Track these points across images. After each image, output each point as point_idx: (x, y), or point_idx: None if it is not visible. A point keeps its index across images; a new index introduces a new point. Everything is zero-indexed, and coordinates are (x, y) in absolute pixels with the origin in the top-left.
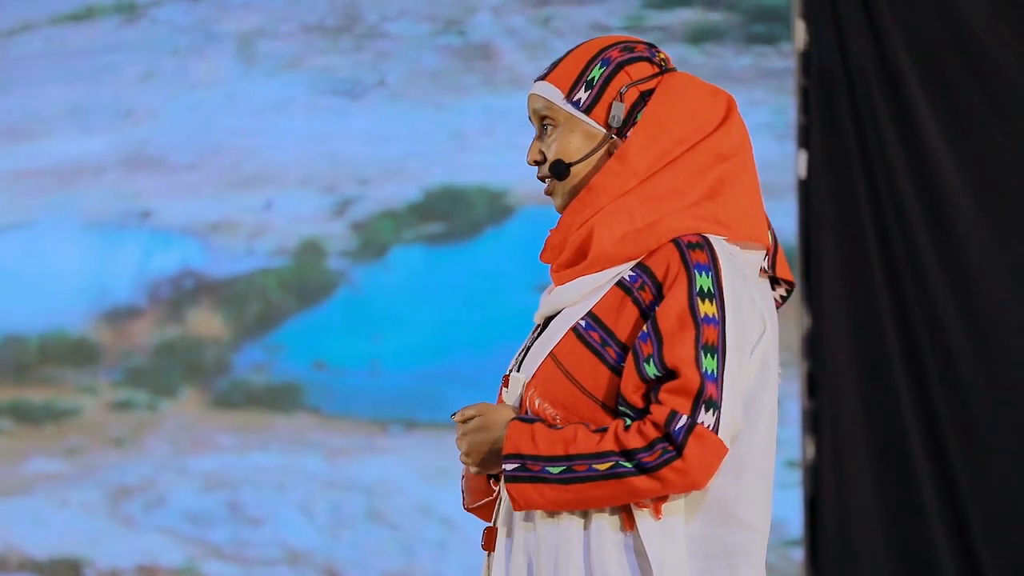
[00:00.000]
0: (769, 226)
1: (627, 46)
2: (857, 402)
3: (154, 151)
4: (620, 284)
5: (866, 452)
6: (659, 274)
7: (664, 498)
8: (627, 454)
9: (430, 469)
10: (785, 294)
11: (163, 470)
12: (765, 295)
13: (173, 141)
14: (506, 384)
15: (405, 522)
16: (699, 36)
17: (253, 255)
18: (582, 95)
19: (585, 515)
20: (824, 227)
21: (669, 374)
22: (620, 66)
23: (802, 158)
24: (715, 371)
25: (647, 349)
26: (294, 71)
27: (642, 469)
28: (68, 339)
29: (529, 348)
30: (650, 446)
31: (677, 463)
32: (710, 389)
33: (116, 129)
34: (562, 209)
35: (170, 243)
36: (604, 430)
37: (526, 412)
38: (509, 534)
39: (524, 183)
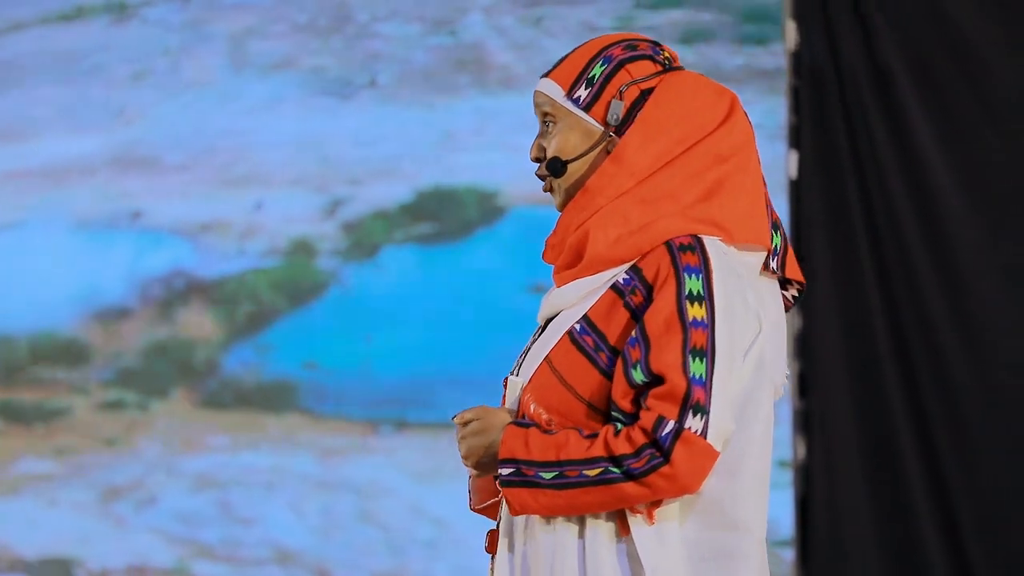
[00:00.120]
0: (778, 226)
1: (630, 44)
2: (848, 402)
3: (145, 151)
4: (614, 287)
5: (857, 452)
6: (650, 277)
7: (657, 503)
8: (615, 460)
9: (421, 469)
10: (797, 294)
11: (154, 470)
12: (770, 295)
13: (164, 141)
14: (506, 387)
15: (396, 522)
16: (690, 36)
17: (244, 255)
18: (582, 93)
19: (581, 521)
20: (815, 227)
21: (655, 380)
22: (621, 64)
23: (793, 158)
24: (703, 375)
25: (635, 354)
26: (285, 71)
27: (630, 475)
28: (58, 339)
29: (529, 350)
30: (637, 452)
31: (665, 469)
32: (697, 394)
33: (107, 129)
34: (561, 207)
35: (161, 243)
36: (595, 436)
37: (523, 416)
38: (509, 538)
39: (515, 183)
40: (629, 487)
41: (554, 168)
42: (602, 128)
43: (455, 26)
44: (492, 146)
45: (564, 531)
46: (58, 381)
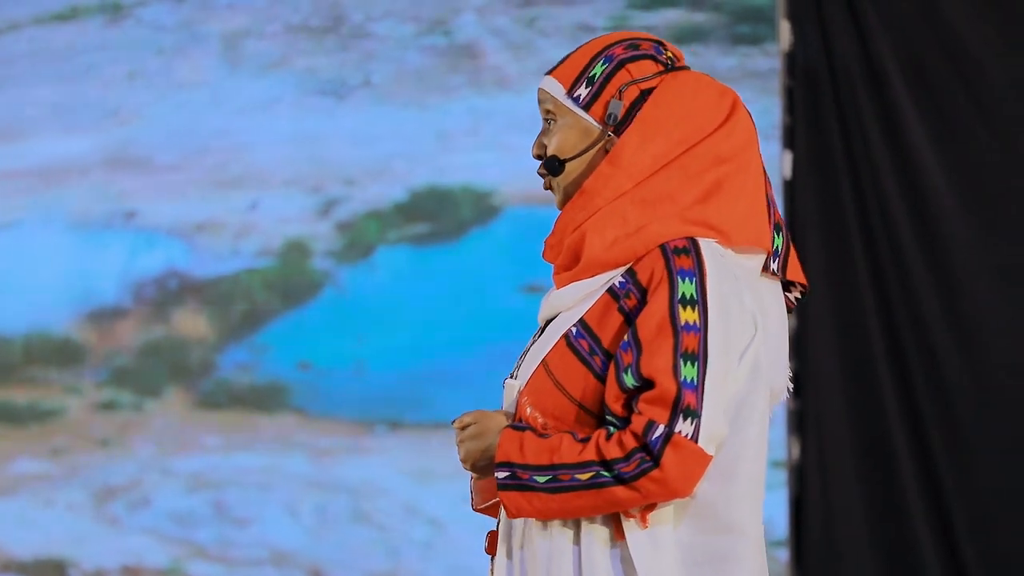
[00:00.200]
0: (781, 227)
1: (632, 44)
2: (842, 402)
3: (139, 151)
4: (610, 290)
5: (851, 452)
6: (644, 280)
7: (651, 507)
8: (606, 464)
9: (415, 469)
10: (800, 296)
11: (148, 470)
12: (770, 297)
13: (158, 141)
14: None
15: (390, 522)
16: (684, 37)
17: (238, 255)
18: (582, 91)
19: (577, 525)
20: (809, 227)
21: (646, 384)
22: (622, 64)
23: (787, 158)
24: (695, 379)
25: (627, 358)
26: (279, 71)
27: (620, 479)
28: (53, 339)
29: (528, 352)
30: (628, 456)
31: (655, 473)
32: (688, 398)
33: (101, 129)
34: (561, 206)
35: (155, 243)
36: (588, 440)
37: (520, 419)
38: (507, 542)
39: (509, 183)
40: (620, 491)
41: (551, 166)
42: (601, 127)
43: (449, 26)
44: (486, 146)
45: (560, 536)
46: (52, 381)
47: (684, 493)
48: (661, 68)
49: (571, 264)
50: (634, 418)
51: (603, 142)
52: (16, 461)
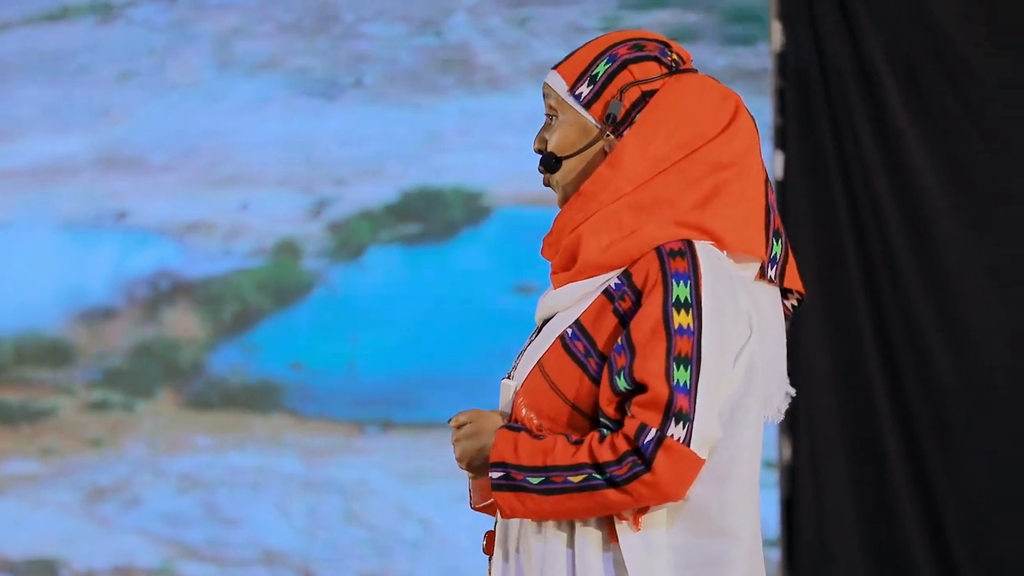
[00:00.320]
0: (780, 234)
1: (637, 44)
2: (833, 403)
3: (130, 151)
4: (606, 292)
5: (842, 453)
6: (639, 282)
7: (644, 510)
8: (599, 467)
9: (407, 470)
10: (796, 303)
11: (139, 471)
12: (767, 301)
13: (149, 141)
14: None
15: (382, 523)
16: (676, 37)
17: (229, 256)
18: (584, 89)
19: (571, 528)
20: (800, 227)
21: (639, 387)
22: (625, 64)
23: (779, 159)
24: (687, 383)
25: (620, 361)
26: (270, 72)
27: (612, 483)
28: (44, 340)
29: (525, 352)
30: (620, 460)
31: (647, 477)
32: (680, 401)
33: (92, 129)
34: (562, 203)
35: (146, 243)
36: (582, 442)
37: (515, 420)
38: (503, 542)
39: (501, 184)
40: (612, 494)
41: (548, 163)
42: (600, 126)
43: (441, 27)
44: (478, 146)
45: (554, 538)
46: (43, 381)
47: (676, 497)
48: (665, 70)
49: (568, 265)
50: (627, 421)
51: (602, 142)
52: (7, 461)
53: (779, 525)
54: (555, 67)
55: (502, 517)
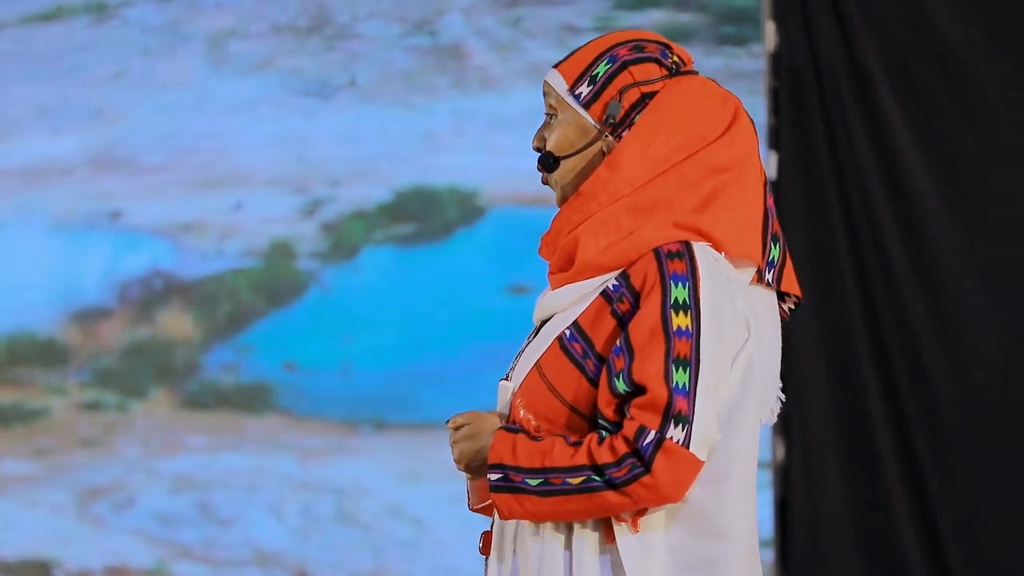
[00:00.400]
0: (778, 238)
1: (637, 45)
2: (827, 404)
3: (124, 151)
4: (604, 293)
5: (836, 454)
6: (637, 284)
7: (642, 512)
8: (597, 469)
9: (401, 470)
10: (793, 307)
11: (133, 471)
12: (763, 304)
13: (143, 141)
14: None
15: (376, 523)
16: (669, 37)
17: (223, 256)
18: (584, 89)
19: (568, 529)
20: (794, 228)
21: (638, 390)
22: (625, 65)
23: (772, 159)
24: (686, 385)
25: (619, 363)
26: (264, 72)
27: (611, 484)
28: (37, 340)
29: (523, 353)
30: (619, 462)
31: (646, 479)
32: (679, 404)
33: (86, 129)
34: (560, 203)
35: (140, 244)
36: (580, 443)
37: (513, 421)
38: (500, 543)
39: (495, 184)
40: (611, 496)
41: (546, 163)
42: (598, 127)
43: (434, 27)
44: (471, 147)
45: (551, 539)
46: (37, 382)
47: (675, 499)
48: (665, 72)
49: (566, 266)
50: (626, 423)
51: (601, 142)
52: (0, 462)
53: (772, 526)
54: (556, 66)
55: (500, 518)
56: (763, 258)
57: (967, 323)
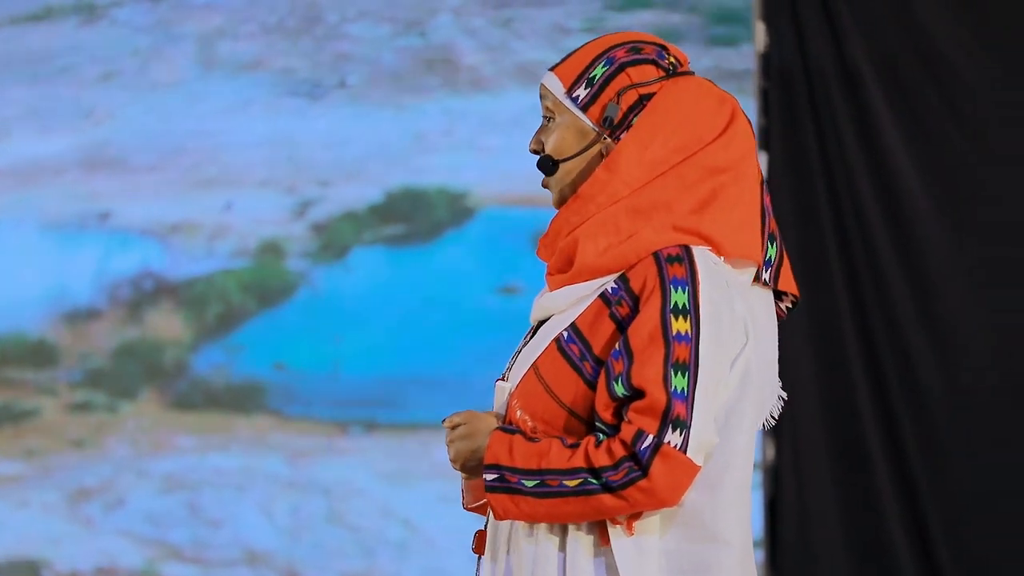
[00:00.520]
0: (775, 237)
1: (634, 47)
2: (816, 404)
3: (114, 152)
4: (603, 296)
5: (825, 454)
6: (636, 288)
7: (637, 515)
8: (594, 472)
9: (390, 470)
10: (791, 306)
11: (122, 471)
12: (761, 306)
13: (133, 142)
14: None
15: (365, 523)
16: (660, 37)
17: (213, 256)
18: (581, 92)
19: (563, 531)
20: (783, 229)
21: (636, 393)
22: (622, 67)
23: (762, 159)
24: (685, 389)
25: (618, 367)
26: (254, 72)
27: (608, 488)
28: (27, 340)
29: (520, 353)
30: (616, 465)
31: (642, 483)
32: (678, 408)
33: (76, 130)
34: (557, 205)
35: (130, 244)
36: (577, 446)
37: (509, 422)
38: (493, 543)
39: (485, 184)
40: (607, 499)
41: (545, 166)
42: (597, 130)
43: (424, 27)
44: (461, 147)
45: (545, 541)
46: (26, 382)
47: (671, 503)
48: (662, 73)
49: (564, 267)
50: (624, 427)
51: (599, 145)
52: None
53: (762, 526)
54: (552, 68)
55: (495, 519)
56: (762, 257)
57: (956, 323)
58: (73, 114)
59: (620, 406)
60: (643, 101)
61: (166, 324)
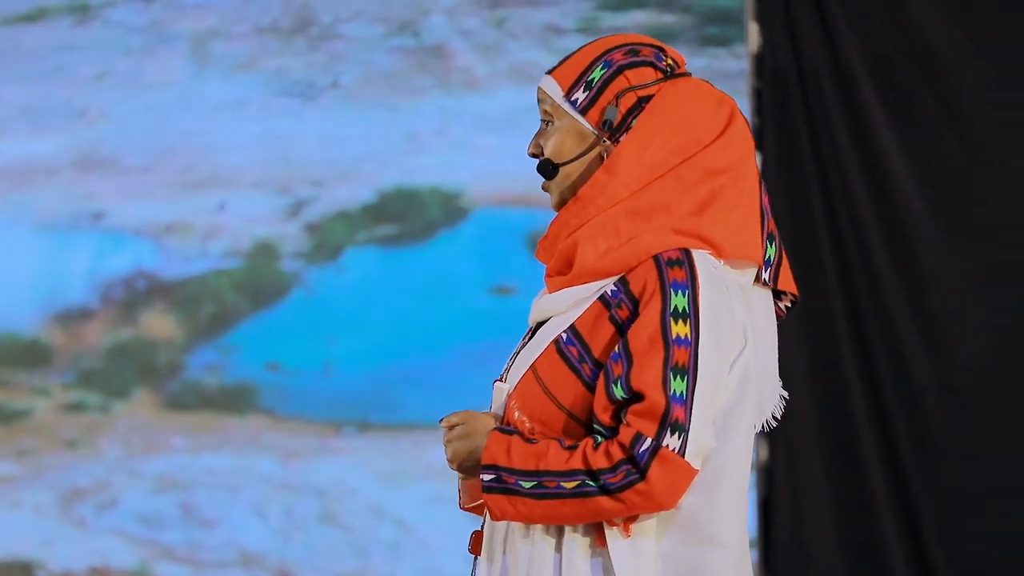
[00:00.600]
0: (774, 237)
1: (632, 49)
2: (810, 404)
3: (107, 152)
4: (602, 298)
5: (819, 454)
6: (636, 291)
7: (634, 517)
8: (592, 474)
9: (384, 471)
10: (790, 305)
11: (115, 472)
12: (760, 307)
13: (126, 142)
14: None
15: (358, 524)
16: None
17: (206, 256)
18: (580, 95)
19: (559, 532)
20: (778, 229)
21: (635, 396)
22: (620, 70)
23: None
24: (684, 393)
25: (617, 370)
26: (248, 72)
27: (606, 490)
28: (20, 340)
29: (518, 354)
30: (614, 467)
31: (640, 486)
32: (676, 412)
33: (69, 130)
34: (557, 207)
35: (123, 244)
36: (575, 448)
37: (507, 422)
38: (490, 543)
39: (478, 184)
40: (604, 501)
41: (545, 170)
42: (596, 133)
43: (418, 27)
44: (455, 147)
45: (542, 542)
46: (19, 382)
47: (668, 506)
48: (660, 75)
49: (564, 269)
50: (622, 429)
51: (599, 148)
52: None
53: (756, 526)
54: (549, 72)
55: (492, 519)
56: (762, 258)
57: (950, 323)
58: (66, 114)
59: (619, 409)
60: (642, 103)
61: (159, 324)
